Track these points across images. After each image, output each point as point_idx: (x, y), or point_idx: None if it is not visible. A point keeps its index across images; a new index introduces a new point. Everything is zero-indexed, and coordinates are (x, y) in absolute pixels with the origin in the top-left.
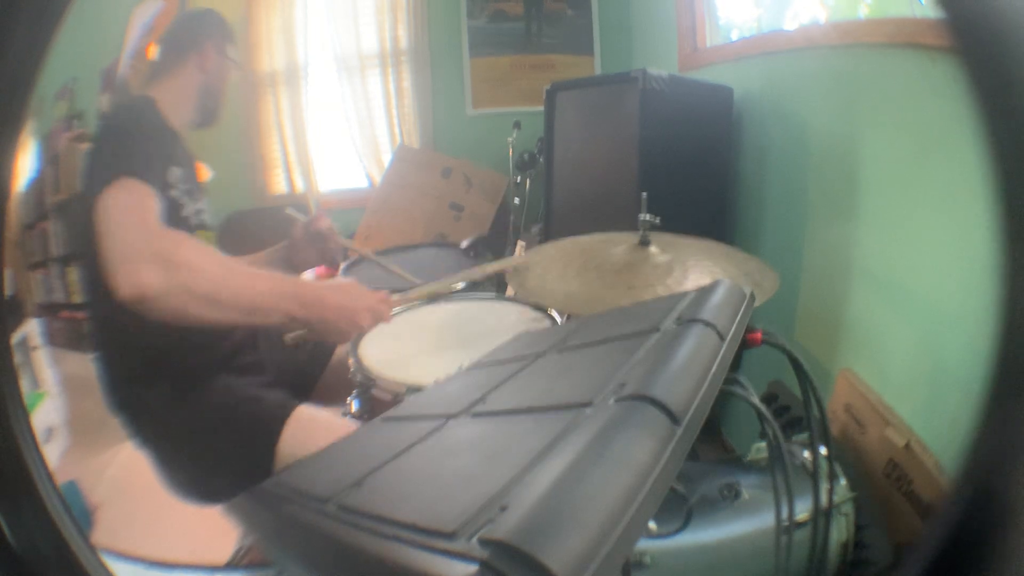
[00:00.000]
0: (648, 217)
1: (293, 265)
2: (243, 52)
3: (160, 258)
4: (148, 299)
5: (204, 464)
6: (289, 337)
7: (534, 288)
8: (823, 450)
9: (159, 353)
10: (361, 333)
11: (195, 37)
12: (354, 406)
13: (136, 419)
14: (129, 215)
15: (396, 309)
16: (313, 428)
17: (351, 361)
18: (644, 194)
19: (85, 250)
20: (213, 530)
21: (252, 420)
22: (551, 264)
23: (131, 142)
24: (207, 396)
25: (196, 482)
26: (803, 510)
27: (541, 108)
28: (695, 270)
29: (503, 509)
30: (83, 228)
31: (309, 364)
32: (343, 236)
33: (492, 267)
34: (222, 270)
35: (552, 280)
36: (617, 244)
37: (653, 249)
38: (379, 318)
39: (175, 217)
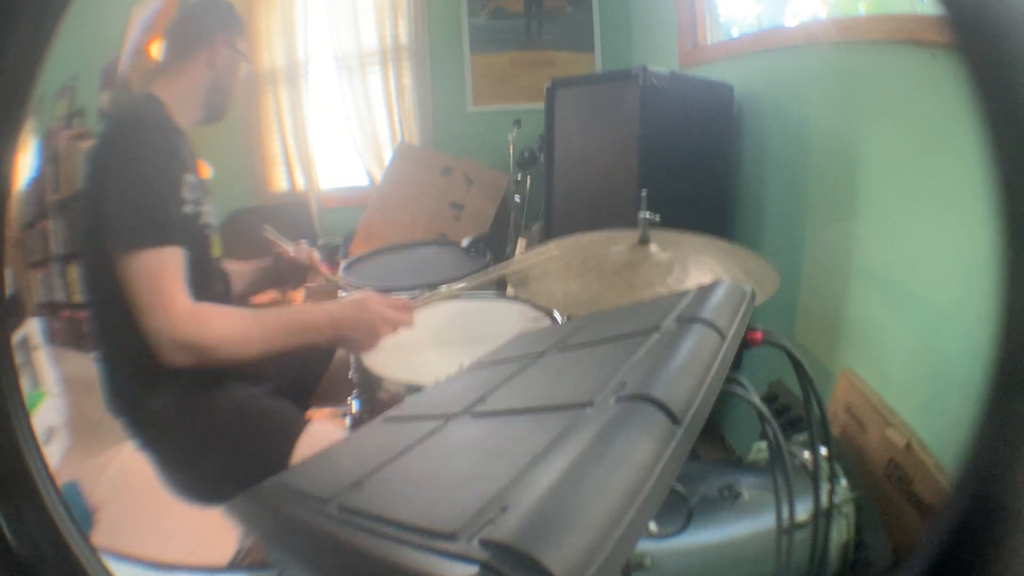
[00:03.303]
0: (648, 215)
1: (281, 280)
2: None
3: (185, 345)
4: (186, 369)
5: (212, 473)
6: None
7: (534, 288)
8: (823, 450)
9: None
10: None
11: (204, 31)
12: (354, 406)
13: (139, 424)
14: (156, 297)
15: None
16: (326, 445)
17: (351, 361)
18: (644, 192)
19: (110, 303)
20: (214, 531)
21: (266, 435)
22: (552, 263)
23: (146, 174)
24: (216, 405)
25: (201, 488)
26: (803, 511)
27: (542, 105)
28: (696, 268)
29: (503, 510)
30: (101, 275)
31: (311, 365)
32: (339, 238)
33: (516, 265)
34: (242, 335)
35: (552, 280)
36: (617, 242)
37: (653, 247)
38: (399, 325)
39: (194, 230)
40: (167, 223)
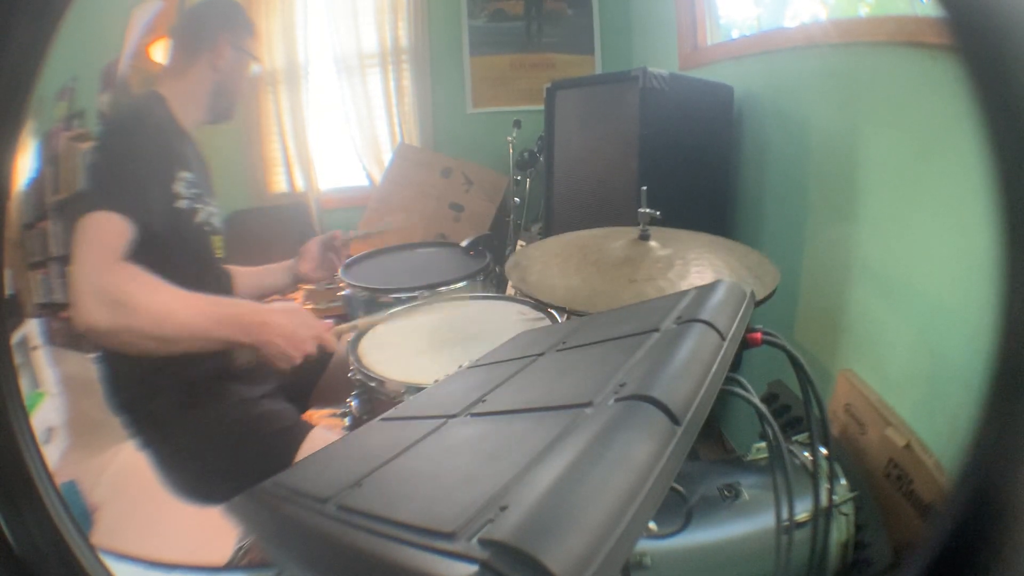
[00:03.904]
0: (648, 211)
1: (297, 278)
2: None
3: (107, 298)
4: (97, 334)
5: (212, 474)
6: (239, 360)
7: (535, 283)
8: (823, 450)
9: (163, 357)
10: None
11: (208, 33)
12: (354, 406)
13: (140, 423)
14: (91, 250)
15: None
16: None
17: (351, 361)
18: (644, 188)
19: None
20: (213, 530)
21: (268, 440)
22: (552, 259)
23: (132, 156)
24: (218, 407)
25: (201, 488)
26: (803, 510)
27: (541, 107)
28: (696, 264)
29: (503, 509)
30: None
31: (310, 365)
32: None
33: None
34: (167, 306)
35: (553, 275)
36: (617, 238)
37: (653, 243)
38: (325, 346)
39: (188, 226)
40: (130, 198)
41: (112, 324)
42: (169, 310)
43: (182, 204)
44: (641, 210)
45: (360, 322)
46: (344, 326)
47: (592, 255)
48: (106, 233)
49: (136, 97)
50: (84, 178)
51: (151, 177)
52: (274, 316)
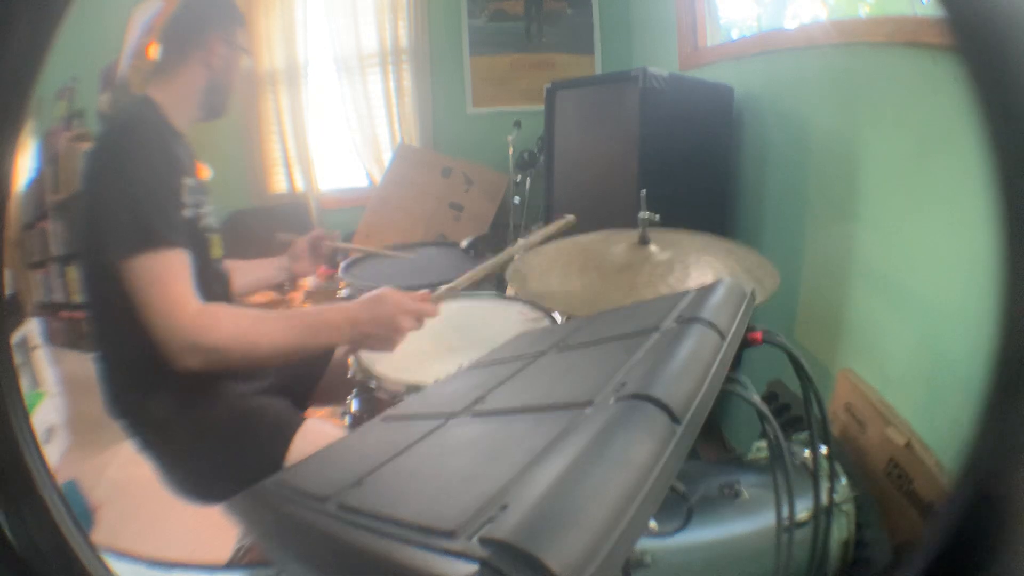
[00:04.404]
0: (647, 215)
1: (294, 275)
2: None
3: (197, 348)
4: (196, 373)
5: (209, 473)
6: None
7: (536, 288)
8: (823, 449)
9: (161, 358)
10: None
11: (199, 32)
12: (354, 406)
13: (139, 425)
14: (164, 298)
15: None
16: (321, 442)
17: (351, 361)
18: (643, 192)
19: (109, 304)
20: (213, 530)
21: (261, 433)
22: (552, 264)
23: (145, 178)
24: (214, 406)
25: (199, 487)
26: (803, 509)
27: (541, 107)
28: (696, 267)
29: (503, 508)
30: (100, 276)
31: (310, 364)
32: (341, 239)
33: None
34: (254, 332)
35: (554, 280)
36: (617, 243)
37: (653, 247)
38: (422, 315)
39: (193, 233)
40: (169, 226)
41: (207, 365)
42: (256, 338)
43: (188, 213)
44: (641, 214)
45: (459, 281)
46: (443, 289)
47: (592, 261)
48: (169, 274)
49: (128, 104)
50: (107, 215)
51: (166, 193)
52: (359, 308)
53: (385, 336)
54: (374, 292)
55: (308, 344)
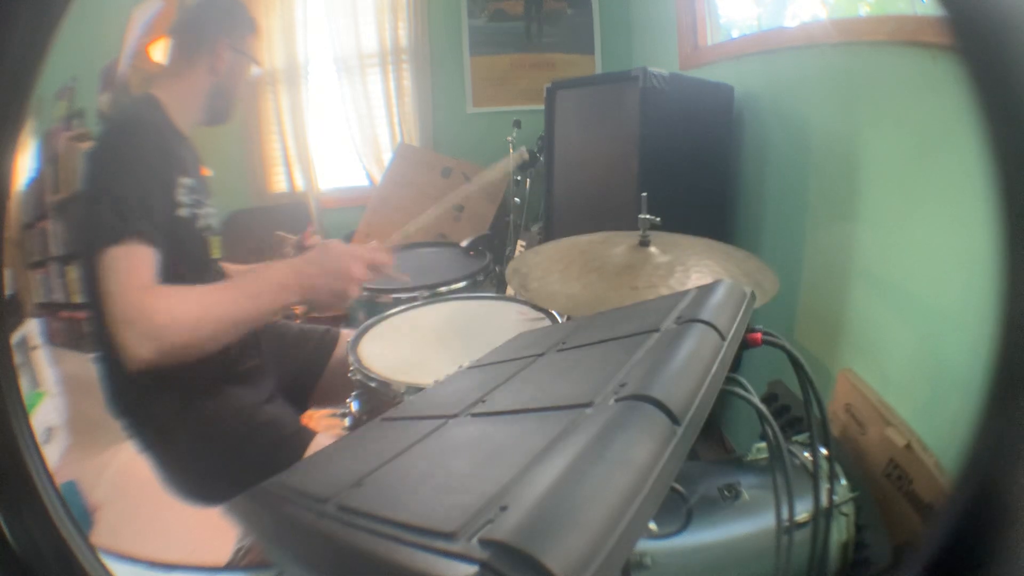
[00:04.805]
0: (648, 217)
1: None
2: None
3: (143, 332)
4: (153, 365)
5: (211, 474)
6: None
7: (536, 290)
8: (823, 450)
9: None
10: (364, 284)
11: (207, 35)
12: (354, 407)
13: (140, 426)
14: (124, 289)
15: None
16: None
17: (351, 361)
18: (644, 195)
19: (92, 301)
20: (213, 531)
21: (272, 449)
22: (552, 266)
23: (135, 172)
24: (217, 411)
25: (200, 488)
26: (803, 510)
27: (541, 107)
28: (696, 270)
29: (503, 509)
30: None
31: (309, 365)
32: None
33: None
34: (200, 309)
35: (554, 282)
36: (617, 244)
37: (653, 249)
38: (375, 264)
39: (189, 233)
40: (146, 222)
41: (158, 353)
42: (201, 313)
43: (184, 212)
44: (641, 216)
45: (413, 223)
46: (396, 235)
47: (593, 262)
48: (133, 262)
49: (131, 103)
50: (89, 198)
51: (155, 191)
52: (304, 262)
53: (338, 289)
54: (324, 245)
55: (259, 308)
